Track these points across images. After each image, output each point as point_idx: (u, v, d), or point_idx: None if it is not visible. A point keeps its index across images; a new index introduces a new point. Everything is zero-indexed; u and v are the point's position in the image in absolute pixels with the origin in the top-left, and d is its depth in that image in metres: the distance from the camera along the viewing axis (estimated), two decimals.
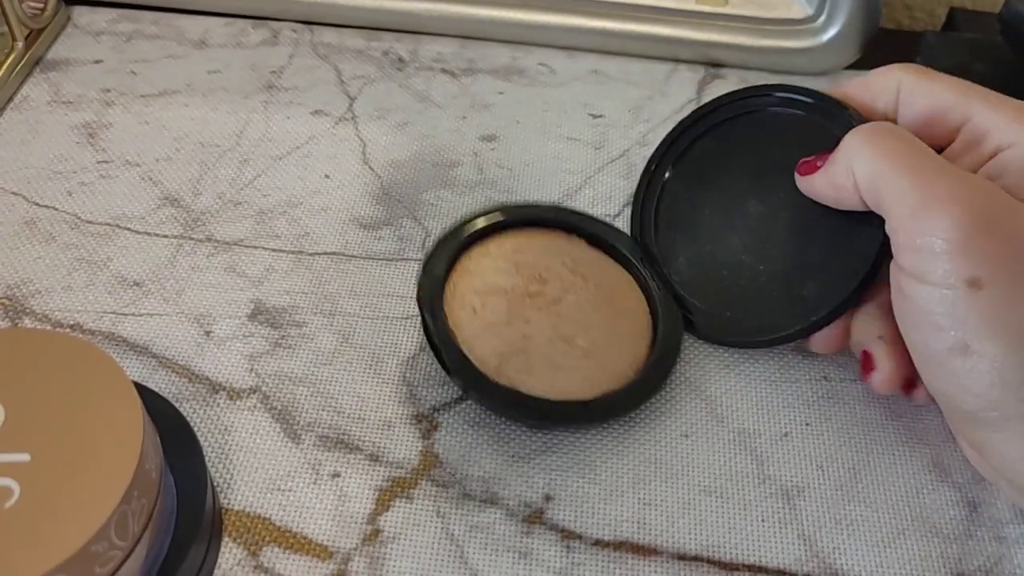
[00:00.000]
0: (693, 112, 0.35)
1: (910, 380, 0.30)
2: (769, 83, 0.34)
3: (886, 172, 0.27)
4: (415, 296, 0.33)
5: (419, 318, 0.36)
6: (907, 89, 0.31)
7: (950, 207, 0.25)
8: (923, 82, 0.30)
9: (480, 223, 0.35)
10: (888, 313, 0.29)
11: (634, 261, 0.35)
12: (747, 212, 0.33)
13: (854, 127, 0.30)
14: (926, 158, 0.27)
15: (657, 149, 0.36)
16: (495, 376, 0.31)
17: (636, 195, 0.36)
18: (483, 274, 0.33)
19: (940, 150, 0.30)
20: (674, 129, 0.36)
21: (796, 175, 0.31)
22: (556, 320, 0.32)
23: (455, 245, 0.34)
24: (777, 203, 0.33)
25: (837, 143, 0.29)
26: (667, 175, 0.36)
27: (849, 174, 0.28)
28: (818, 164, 0.30)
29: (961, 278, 0.25)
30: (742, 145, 0.34)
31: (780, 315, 0.32)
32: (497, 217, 0.35)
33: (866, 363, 0.30)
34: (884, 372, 0.30)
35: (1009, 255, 0.25)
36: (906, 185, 0.26)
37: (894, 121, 0.31)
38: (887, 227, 0.27)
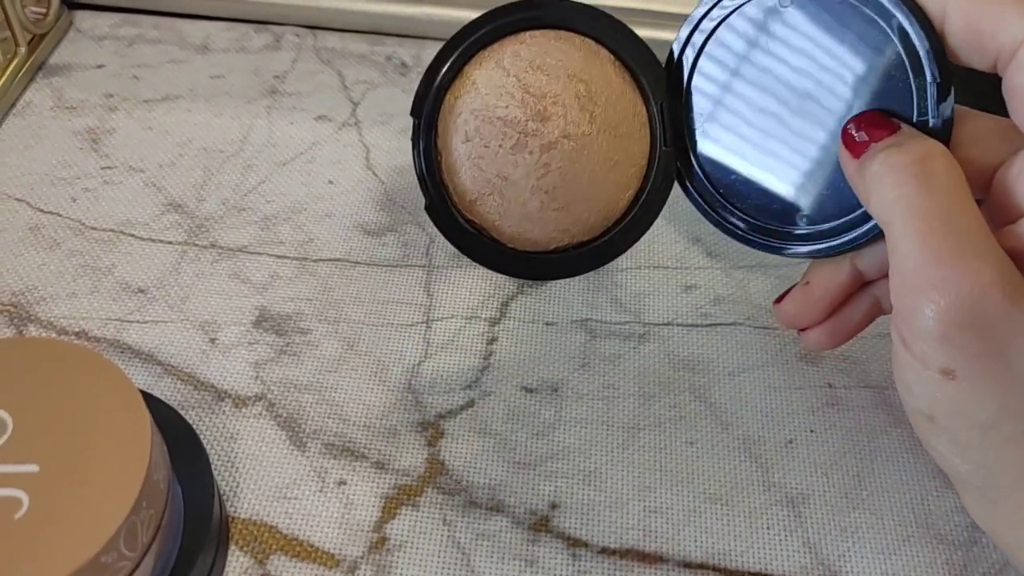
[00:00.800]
0: None
1: (805, 328, 0.30)
2: None
3: (897, 224, 0.25)
4: (411, 103, 0.31)
5: (423, 325, 0.36)
6: None
7: (939, 295, 0.24)
8: None
9: (502, 20, 0.32)
10: (834, 269, 0.29)
11: (654, 101, 0.32)
12: (786, 108, 0.30)
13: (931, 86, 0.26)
14: (945, 222, 0.24)
15: None
16: (467, 211, 0.31)
17: (689, 20, 0.31)
18: (487, 92, 0.31)
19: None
20: None
21: (841, 135, 0.28)
22: (544, 171, 0.31)
23: (467, 49, 0.31)
24: (815, 120, 0.29)
25: (899, 115, 0.27)
26: (731, 14, 0.31)
27: (867, 199, 0.27)
28: (859, 140, 0.27)
29: (936, 364, 0.24)
30: (817, 34, 0.29)
31: (765, 226, 0.30)
32: (525, 15, 0.32)
33: (784, 292, 0.30)
34: (784, 310, 0.30)
35: (988, 355, 0.24)
36: (910, 251, 0.24)
37: (1000, 72, 0.26)
38: (889, 271, 0.26)
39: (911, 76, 0.27)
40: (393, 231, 0.39)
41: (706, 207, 0.31)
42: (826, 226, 0.29)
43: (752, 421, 0.33)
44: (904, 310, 0.25)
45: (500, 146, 0.31)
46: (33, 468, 0.24)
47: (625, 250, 0.32)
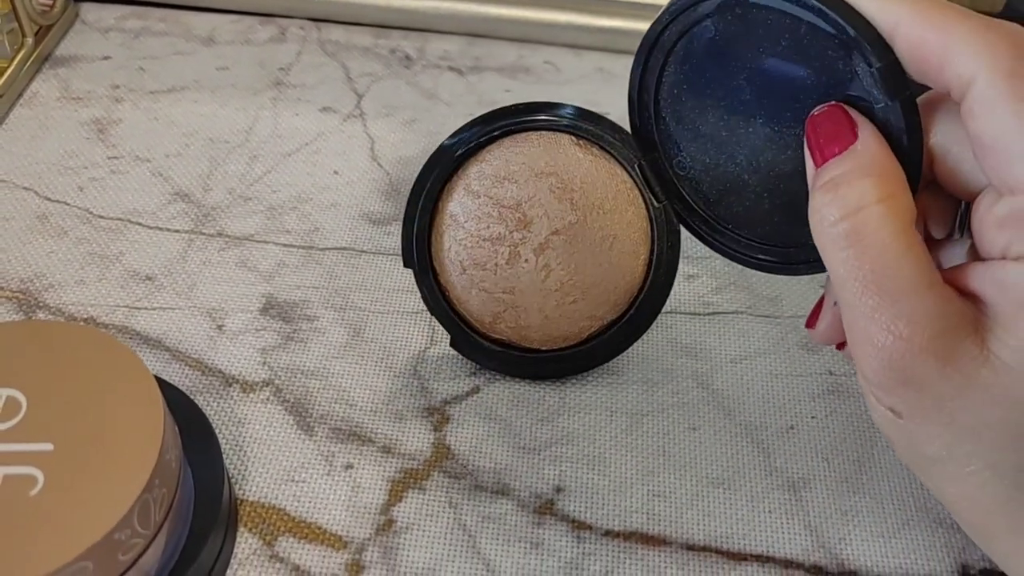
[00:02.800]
0: None
1: (843, 344, 0.29)
2: None
3: (833, 275, 0.24)
4: (400, 256, 0.33)
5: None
6: (981, 101, 0.22)
7: (874, 352, 0.23)
8: (1004, 103, 0.22)
9: (457, 149, 0.32)
10: None
11: (628, 167, 0.32)
12: (753, 129, 0.28)
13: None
14: (876, 282, 0.23)
15: (655, 23, 0.29)
16: (490, 332, 0.33)
17: (632, 73, 0.30)
18: (466, 220, 0.32)
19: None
20: (673, 6, 0.28)
21: (806, 132, 0.26)
22: (545, 272, 0.32)
23: (434, 188, 0.32)
24: (785, 132, 0.28)
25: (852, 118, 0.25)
26: (668, 58, 0.29)
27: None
28: (816, 145, 0.25)
29: (884, 404, 0.25)
30: (751, 47, 0.27)
31: (778, 246, 0.30)
32: (477, 137, 0.32)
33: (814, 313, 0.29)
34: (821, 332, 0.29)
35: (928, 407, 0.24)
36: (846, 303, 0.24)
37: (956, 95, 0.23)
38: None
39: (854, 64, 0.25)
40: (398, 220, 0.39)
41: (723, 246, 0.31)
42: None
43: (754, 407, 0.34)
44: (852, 353, 0.25)
45: (496, 264, 0.32)
46: (47, 447, 0.25)
47: (658, 312, 0.33)
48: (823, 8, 0.24)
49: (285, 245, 0.38)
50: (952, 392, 0.23)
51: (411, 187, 0.33)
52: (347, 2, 0.49)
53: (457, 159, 0.32)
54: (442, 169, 0.32)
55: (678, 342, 0.36)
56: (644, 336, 0.36)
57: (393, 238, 0.39)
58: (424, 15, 0.49)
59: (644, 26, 0.50)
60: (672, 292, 0.37)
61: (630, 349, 0.35)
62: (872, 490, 0.32)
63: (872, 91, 0.24)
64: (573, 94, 0.46)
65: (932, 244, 0.27)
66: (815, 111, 0.25)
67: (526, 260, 0.32)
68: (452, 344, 0.33)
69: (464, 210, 0.32)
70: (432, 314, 0.33)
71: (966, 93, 0.22)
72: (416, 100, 0.45)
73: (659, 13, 0.29)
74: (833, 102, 0.25)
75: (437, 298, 0.33)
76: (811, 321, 0.29)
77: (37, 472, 0.24)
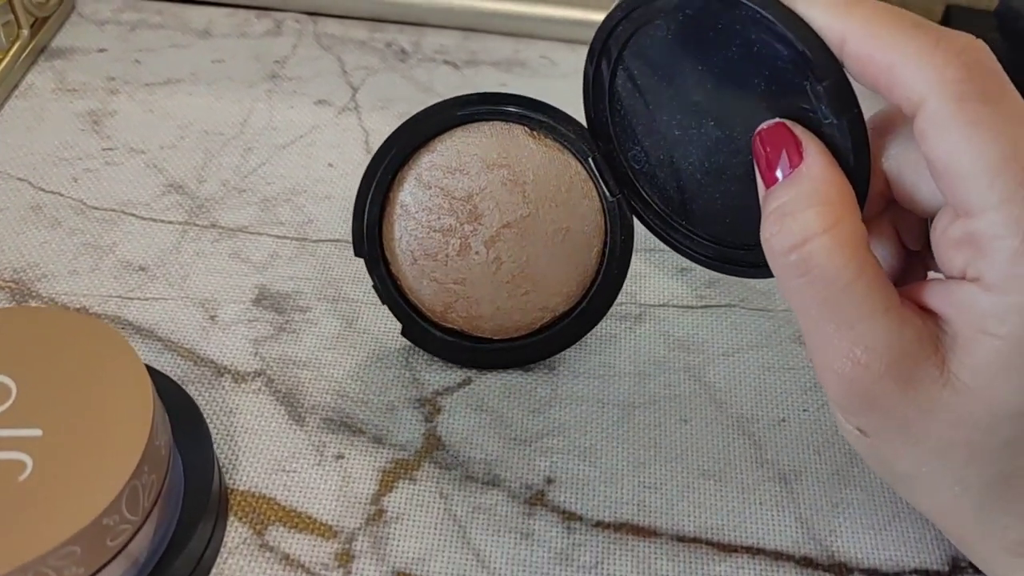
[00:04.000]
0: None
1: None
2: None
3: (790, 302, 0.24)
4: (352, 245, 0.33)
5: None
6: (932, 124, 0.22)
7: (835, 378, 0.24)
8: (955, 126, 0.21)
9: (408, 138, 0.32)
10: None
11: (582, 160, 0.31)
12: (704, 131, 0.27)
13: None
14: (830, 309, 0.23)
15: (609, 17, 0.28)
16: (442, 320, 0.33)
17: (586, 66, 0.30)
18: (416, 211, 0.32)
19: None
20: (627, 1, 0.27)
21: (753, 150, 0.25)
22: (496, 265, 0.32)
23: (385, 177, 0.32)
24: (736, 138, 0.27)
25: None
26: (623, 52, 0.28)
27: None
28: (764, 164, 0.25)
29: (851, 423, 0.25)
30: (702, 50, 0.26)
31: (730, 247, 0.29)
32: (431, 126, 0.32)
33: None
34: None
35: (893, 428, 0.24)
36: (804, 330, 0.24)
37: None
38: None
39: (802, 77, 0.24)
40: None
41: (676, 242, 0.30)
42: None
43: (745, 400, 0.34)
44: (817, 375, 0.25)
45: (447, 256, 0.32)
46: (36, 432, 0.25)
47: (610, 305, 0.33)
48: (771, 19, 0.23)
49: (278, 237, 0.39)
50: (915, 414, 0.23)
51: (360, 179, 0.32)
52: None
53: (408, 148, 0.32)
54: (393, 158, 0.32)
55: (670, 335, 0.36)
56: (636, 328, 0.36)
57: None
58: (420, 9, 0.49)
59: None
60: (664, 285, 0.37)
61: (623, 341, 0.35)
62: (863, 483, 0.32)
63: (820, 107, 0.24)
64: (568, 88, 0.45)
65: (916, 255, 0.27)
66: (762, 126, 0.25)
67: (477, 252, 0.32)
68: (403, 333, 0.33)
69: (415, 201, 0.32)
70: (383, 303, 0.33)
71: (916, 114, 0.22)
72: (411, 94, 0.45)
73: (613, 7, 0.28)
74: (778, 119, 0.25)
75: (388, 287, 0.33)
76: None
77: (26, 457, 0.24)
